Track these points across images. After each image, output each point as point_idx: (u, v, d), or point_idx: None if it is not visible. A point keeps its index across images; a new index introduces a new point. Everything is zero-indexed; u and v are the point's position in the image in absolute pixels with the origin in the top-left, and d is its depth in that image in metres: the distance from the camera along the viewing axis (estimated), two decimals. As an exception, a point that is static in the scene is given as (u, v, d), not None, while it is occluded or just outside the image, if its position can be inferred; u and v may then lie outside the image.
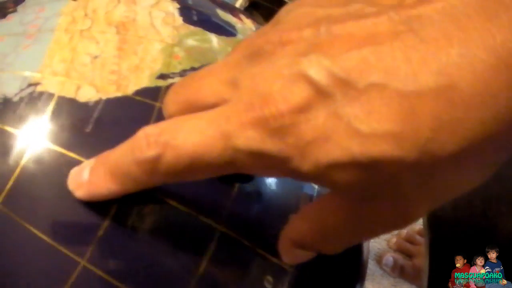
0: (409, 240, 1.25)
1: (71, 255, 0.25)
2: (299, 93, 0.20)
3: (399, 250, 1.25)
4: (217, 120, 0.21)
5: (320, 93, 0.19)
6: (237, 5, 0.44)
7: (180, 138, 0.22)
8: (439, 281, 0.38)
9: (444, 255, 0.38)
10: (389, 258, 1.22)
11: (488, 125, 0.19)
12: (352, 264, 0.35)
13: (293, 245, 0.25)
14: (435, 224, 0.38)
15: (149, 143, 0.22)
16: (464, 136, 0.19)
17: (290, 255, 0.25)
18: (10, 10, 0.31)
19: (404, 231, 1.27)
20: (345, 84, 0.19)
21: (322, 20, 0.21)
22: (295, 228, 0.24)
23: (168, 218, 0.26)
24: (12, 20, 0.31)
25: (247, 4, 0.44)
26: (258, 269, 0.28)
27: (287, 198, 0.30)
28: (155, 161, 0.22)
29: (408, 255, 1.23)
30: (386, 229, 0.23)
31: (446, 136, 0.19)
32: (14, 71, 0.28)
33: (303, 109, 0.20)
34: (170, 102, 0.25)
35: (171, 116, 0.24)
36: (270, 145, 0.20)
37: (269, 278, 0.28)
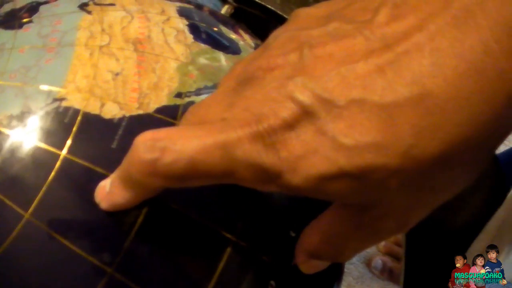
0: (398, 243, 1.28)
1: (99, 264, 0.27)
2: (287, 113, 0.22)
3: (388, 253, 1.27)
4: (216, 132, 0.23)
5: (306, 112, 0.21)
6: (222, 12, 0.46)
7: (179, 144, 0.23)
8: (415, 278, 0.41)
9: (419, 254, 0.40)
10: (378, 261, 1.23)
11: (464, 128, 0.20)
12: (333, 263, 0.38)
13: (308, 256, 0.27)
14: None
15: (147, 147, 0.23)
16: (443, 139, 0.20)
17: (307, 265, 0.28)
18: (25, 20, 0.32)
19: (392, 234, 1.28)
20: (327, 103, 0.21)
21: (304, 43, 0.23)
22: (308, 240, 0.27)
23: (188, 229, 0.28)
24: (30, 31, 0.31)
25: (232, 11, 0.45)
26: (264, 274, 0.30)
27: (287, 203, 0.32)
28: (153, 164, 0.23)
29: (397, 258, 1.25)
30: (387, 235, 0.25)
31: (426, 141, 0.20)
32: (38, 85, 0.29)
33: (292, 126, 0.22)
34: None
35: None
36: (265, 159, 0.22)
37: (272, 282, 0.31)
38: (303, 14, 0.26)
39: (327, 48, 0.22)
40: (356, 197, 0.23)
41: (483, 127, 0.20)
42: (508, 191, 0.47)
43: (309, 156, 0.22)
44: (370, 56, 0.21)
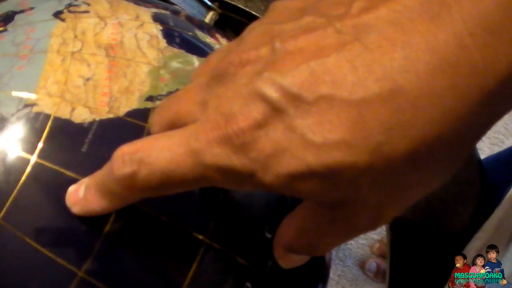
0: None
1: (70, 267, 0.27)
2: (256, 110, 0.21)
3: (382, 255, 1.27)
4: (186, 138, 0.23)
5: (275, 109, 0.21)
6: (207, 19, 0.46)
7: (153, 156, 0.23)
8: (400, 282, 0.41)
9: (404, 256, 0.40)
10: (372, 263, 1.23)
11: (436, 125, 0.20)
12: (315, 264, 0.38)
13: (284, 250, 0.27)
14: (395, 225, 0.41)
15: (124, 161, 0.24)
16: (414, 136, 0.20)
17: (285, 259, 0.28)
18: (1, 29, 0.33)
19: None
20: (296, 99, 0.21)
21: (277, 37, 0.22)
22: (284, 234, 0.27)
23: (159, 232, 0.29)
24: (4, 39, 0.32)
25: (217, 17, 0.46)
26: (239, 276, 0.30)
27: (262, 204, 0.32)
28: (131, 177, 0.24)
29: (392, 260, 1.24)
30: (361, 231, 0.25)
31: (396, 138, 0.20)
32: (10, 92, 0.29)
33: (261, 125, 0.21)
34: (154, 124, 0.27)
35: None
36: (235, 161, 0.22)
37: (248, 284, 0.31)
38: (280, 7, 0.26)
39: (298, 42, 0.22)
40: (327, 195, 0.23)
41: (456, 124, 0.20)
42: (494, 197, 0.47)
43: (278, 154, 0.21)
44: (341, 50, 0.20)
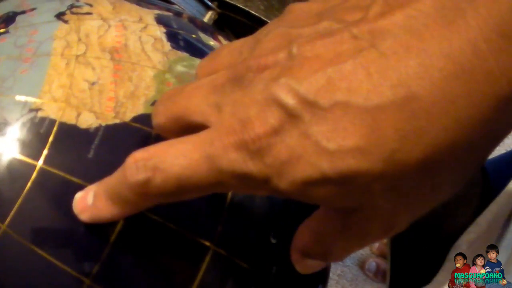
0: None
1: (76, 274, 0.27)
2: (273, 117, 0.21)
3: (382, 255, 1.27)
4: (202, 144, 0.23)
5: (290, 115, 0.21)
6: (206, 18, 0.46)
7: (168, 162, 0.23)
8: (400, 282, 0.41)
9: (405, 256, 0.41)
10: (372, 263, 1.23)
11: (450, 132, 0.20)
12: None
13: (300, 255, 0.27)
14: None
15: (138, 168, 0.24)
16: (428, 143, 0.20)
17: (301, 265, 0.27)
18: (2, 31, 0.32)
19: (386, 237, 1.28)
20: (311, 105, 0.21)
21: (294, 41, 0.22)
22: (299, 239, 0.27)
23: (166, 239, 0.28)
24: (6, 41, 0.31)
25: (216, 17, 0.45)
26: (245, 282, 0.30)
27: (267, 210, 0.32)
28: (145, 184, 0.24)
29: (391, 260, 1.25)
30: (375, 238, 0.25)
31: (411, 145, 0.20)
32: (14, 96, 0.29)
33: (277, 131, 0.21)
34: (158, 114, 0.26)
35: (159, 126, 0.26)
36: (251, 166, 0.22)
37: (253, 289, 0.31)
38: (297, 9, 0.26)
39: (315, 48, 0.22)
40: (340, 201, 0.23)
41: (471, 132, 0.20)
42: (495, 198, 0.47)
43: (293, 161, 0.21)
44: (357, 56, 0.20)
